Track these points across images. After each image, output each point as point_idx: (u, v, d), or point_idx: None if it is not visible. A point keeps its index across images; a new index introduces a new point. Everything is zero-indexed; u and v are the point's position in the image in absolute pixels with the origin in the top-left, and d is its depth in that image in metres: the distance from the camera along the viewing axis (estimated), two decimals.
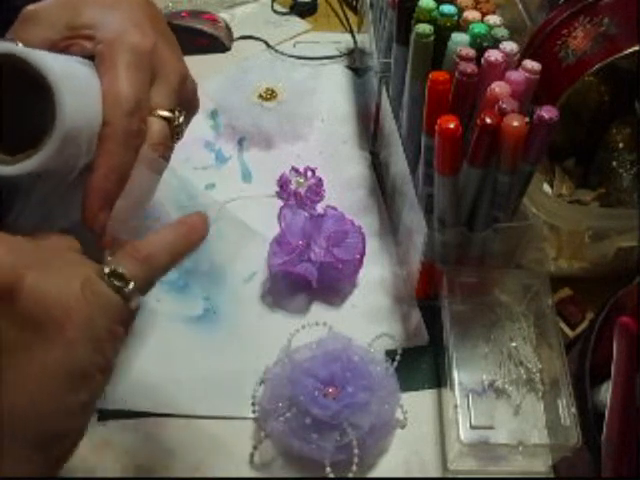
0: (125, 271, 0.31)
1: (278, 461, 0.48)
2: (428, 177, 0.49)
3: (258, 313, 0.56)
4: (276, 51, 0.80)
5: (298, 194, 0.64)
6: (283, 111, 0.70)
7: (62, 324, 0.29)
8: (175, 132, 0.39)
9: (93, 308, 0.30)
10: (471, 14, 0.50)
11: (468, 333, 0.51)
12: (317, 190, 0.64)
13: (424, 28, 0.48)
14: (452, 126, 0.42)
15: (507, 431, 0.47)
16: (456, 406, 0.46)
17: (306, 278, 0.54)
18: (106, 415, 0.49)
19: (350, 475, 0.45)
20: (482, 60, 0.46)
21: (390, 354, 0.52)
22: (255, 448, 0.47)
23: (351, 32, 0.82)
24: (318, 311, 0.56)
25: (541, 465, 0.47)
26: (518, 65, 0.46)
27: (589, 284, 0.56)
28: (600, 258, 0.56)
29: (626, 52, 0.50)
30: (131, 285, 0.31)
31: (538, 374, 0.49)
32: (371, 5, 0.68)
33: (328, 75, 0.77)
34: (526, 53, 0.55)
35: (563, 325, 0.54)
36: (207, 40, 0.79)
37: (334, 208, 0.60)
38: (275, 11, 0.87)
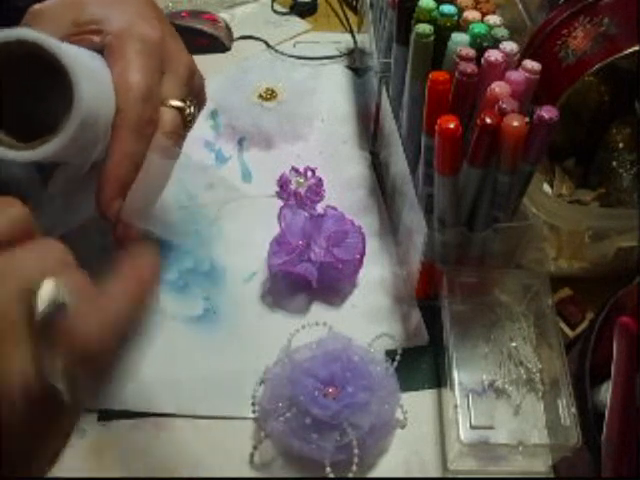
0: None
1: (278, 461, 0.48)
2: (428, 177, 0.49)
3: (258, 313, 0.56)
4: (276, 51, 0.80)
5: (298, 194, 0.64)
6: (283, 111, 0.70)
7: None
8: (187, 121, 0.39)
9: None
10: (471, 14, 0.50)
11: (468, 333, 0.51)
12: (317, 190, 0.64)
13: (424, 28, 0.48)
14: (452, 126, 0.42)
15: (507, 431, 0.47)
16: (456, 406, 0.46)
17: (306, 278, 0.54)
18: (106, 415, 0.49)
19: (350, 475, 0.45)
20: (482, 60, 0.46)
21: (390, 354, 0.52)
22: (255, 448, 0.47)
23: (351, 32, 0.82)
24: (318, 311, 0.56)
25: (541, 465, 0.47)
26: (518, 65, 0.46)
27: (589, 284, 0.56)
28: (600, 258, 0.56)
29: (626, 52, 0.50)
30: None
31: (538, 374, 0.49)
32: (371, 5, 0.68)
33: (328, 75, 0.77)
34: (526, 53, 0.55)
35: (563, 325, 0.54)
36: (207, 40, 0.79)
37: (334, 208, 0.60)
38: (275, 11, 0.87)
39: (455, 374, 0.47)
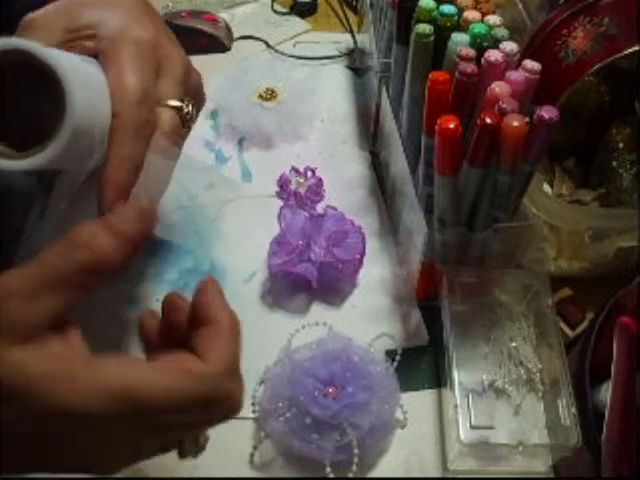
0: None
1: (278, 461, 0.48)
2: (428, 177, 0.49)
3: (258, 313, 0.56)
4: (276, 51, 0.80)
5: (298, 194, 0.64)
6: (283, 111, 0.70)
7: None
8: (185, 120, 0.39)
9: None
10: (471, 14, 0.49)
11: (468, 333, 0.51)
12: (317, 190, 0.64)
13: (424, 28, 0.48)
14: (452, 126, 0.42)
15: (507, 431, 0.47)
16: (456, 406, 0.46)
17: (306, 278, 0.54)
18: None
19: (350, 475, 0.45)
20: (482, 60, 0.46)
21: (390, 354, 0.52)
22: (255, 448, 0.47)
23: (351, 32, 0.82)
24: (318, 311, 0.56)
25: (541, 465, 0.47)
26: (518, 65, 0.46)
27: (589, 284, 0.56)
28: (600, 258, 0.56)
29: (626, 52, 0.50)
30: None
31: (538, 374, 0.49)
32: (371, 5, 0.68)
33: (328, 75, 0.77)
34: (526, 53, 0.55)
35: (563, 325, 0.54)
36: (207, 40, 0.79)
37: (334, 208, 0.60)
38: (275, 11, 0.87)
39: (455, 374, 0.47)
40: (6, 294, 0.27)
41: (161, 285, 0.57)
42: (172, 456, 0.43)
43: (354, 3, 0.87)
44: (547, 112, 0.41)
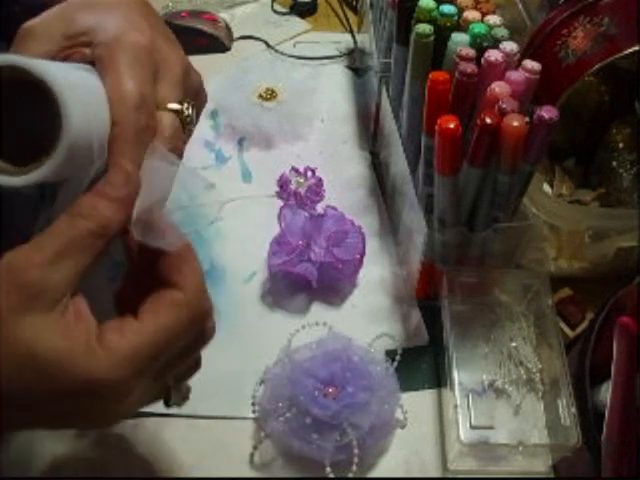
0: None
1: (278, 461, 0.48)
2: (428, 177, 0.49)
3: (258, 313, 0.56)
4: (276, 51, 0.80)
5: (298, 194, 0.64)
6: (283, 111, 0.70)
7: None
8: (186, 123, 0.39)
9: None
10: (471, 14, 0.50)
11: (468, 333, 0.51)
12: (317, 190, 0.65)
13: (424, 28, 0.48)
14: (452, 126, 0.42)
15: (507, 431, 0.47)
16: (456, 406, 0.46)
17: (306, 278, 0.54)
18: None
19: (350, 475, 0.45)
20: (482, 60, 0.46)
21: (390, 354, 0.52)
22: (255, 448, 0.47)
23: (351, 32, 0.82)
24: (318, 311, 0.56)
25: (541, 465, 0.47)
26: (518, 65, 0.46)
27: (589, 284, 0.56)
28: (600, 258, 0.56)
29: (626, 52, 0.50)
30: None
31: (538, 374, 0.49)
32: (371, 5, 0.68)
33: (328, 75, 0.77)
34: (526, 53, 0.55)
35: (563, 325, 0.54)
36: (207, 40, 0.79)
37: (334, 208, 0.60)
38: (275, 11, 0.87)
39: (455, 374, 0.47)
40: (26, 265, 0.29)
41: None
42: (172, 456, 0.44)
43: (354, 3, 0.87)
44: (547, 112, 0.41)
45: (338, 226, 0.57)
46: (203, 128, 0.70)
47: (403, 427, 0.49)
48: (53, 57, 0.36)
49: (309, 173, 0.66)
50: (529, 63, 0.45)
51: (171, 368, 0.35)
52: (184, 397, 0.40)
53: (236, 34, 0.82)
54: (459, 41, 0.47)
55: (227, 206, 0.63)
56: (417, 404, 0.51)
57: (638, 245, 0.54)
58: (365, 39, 0.75)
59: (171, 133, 0.37)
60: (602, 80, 0.61)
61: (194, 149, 0.68)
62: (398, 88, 0.57)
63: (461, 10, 0.50)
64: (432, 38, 0.49)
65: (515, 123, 0.41)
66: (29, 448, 0.47)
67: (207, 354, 0.53)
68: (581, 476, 0.45)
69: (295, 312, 0.56)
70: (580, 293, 0.56)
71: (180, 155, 0.39)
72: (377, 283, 0.58)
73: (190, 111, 0.39)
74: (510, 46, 0.46)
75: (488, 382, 0.49)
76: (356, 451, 0.45)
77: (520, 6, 0.63)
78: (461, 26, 0.49)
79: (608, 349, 0.37)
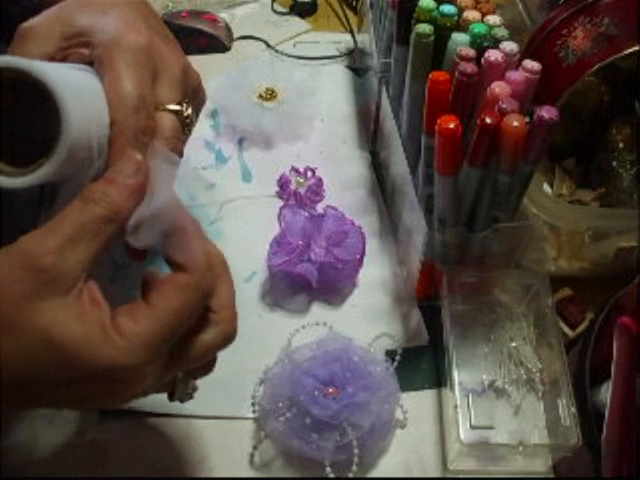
0: None
1: (278, 461, 0.48)
2: (428, 177, 0.49)
3: (258, 313, 0.56)
4: (276, 51, 0.80)
5: (298, 194, 0.64)
6: (283, 111, 0.70)
7: None
8: (185, 124, 0.39)
9: None
10: (471, 14, 0.49)
11: (468, 333, 0.51)
12: (317, 190, 0.64)
13: (424, 28, 0.48)
14: (452, 126, 0.42)
15: (507, 431, 0.47)
16: (456, 406, 0.46)
17: (306, 278, 0.54)
18: (106, 415, 0.49)
19: (350, 475, 0.45)
20: (482, 60, 0.45)
21: (390, 354, 0.52)
22: (255, 448, 0.47)
23: (351, 32, 0.82)
24: (318, 311, 0.56)
25: (541, 465, 0.47)
26: (518, 65, 0.45)
27: (589, 284, 0.56)
28: (600, 258, 0.56)
29: (626, 52, 0.50)
30: None
31: (538, 374, 0.49)
32: (371, 5, 0.68)
33: (328, 75, 0.77)
34: (526, 53, 0.55)
35: (563, 325, 0.54)
36: (207, 40, 0.79)
37: (334, 208, 0.60)
38: (275, 11, 0.87)
39: (455, 374, 0.47)
40: (40, 250, 0.29)
41: None
42: (172, 456, 0.44)
43: (354, 3, 0.87)
44: (547, 112, 0.41)
45: (338, 226, 0.57)
46: (203, 128, 0.70)
47: (403, 427, 0.49)
48: (51, 58, 0.36)
49: (309, 173, 0.66)
50: (529, 63, 0.45)
51: (182, 355, 0.35)
52: (189, 394, 0.40)
53: (236, 34, 0.82)
54: (459, 41, 0.47)
55: (227, 206, 0.63)
56: (417, 404, 0.51)
57: (638, 245, 0.54)
58: (365, 39, 0.75)
59: (171, 134, 0.38)
60: (602, 80, 0.61)
61: (194, 149, 0.68)
62: (398, 88, 0.57)
63: (461, 10, 0.50)
64: (432, 38, 0.49)
65: (515, 123, 0.41)
66: (30, 447, 0.47)
67: None
68: (581, 476, 0.45)
69: (295, 312, 0.56)
70: (580, 293, 0.56)
71: (180, 155, 0.39)
72: (377, 283, 0.58)
73: (189, 111, 0.39)
74: (510, 46, 0.46)
75: (488, 382, 0.49)
76: (356, 451, 0.45)
77: (520, 6, 0.63)
78: (461, 26, 0.49)
79: (608, 349, 0.37)
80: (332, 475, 0.45)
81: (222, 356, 0.53)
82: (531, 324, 0.51)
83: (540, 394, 0.49)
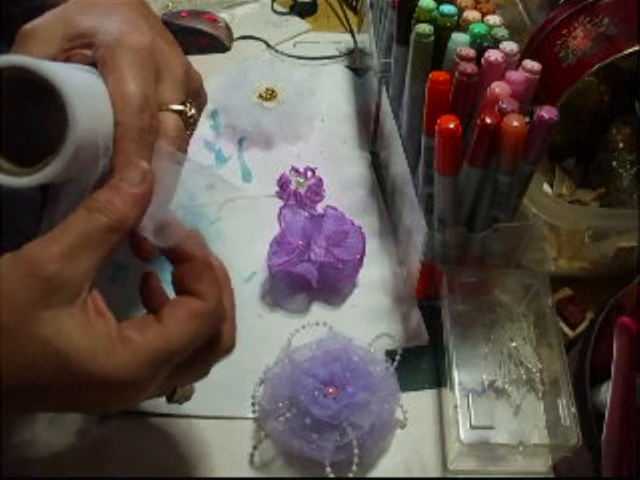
0: None
1: (278, 461, 0.48)
2: (428, 177, 0.49)
3: (258, 313, 0.56)
4: (276, 51, 0.80)
5: (298, 194, 0.64)
6: (283, 111, 0.70)
7: None
8: (189, 124, 0.39)
9: None
10: (471, 14, 0.49)
11: (468, 333, 0.51)
12: (317, 190, 0.64)
13: (424, 28, 0.48)
14: (452, 126, 0.42)
15: (507, 431, 0.47)
16: (456, 406, 0.46)
17: (306, 278, 0.54)
18: (106, 415, 0.49)
19: (350, 475, 0.45)
20: (482, 60, 0.45)
21: (390, 354, 0.52)
22: (255, 448, 0.47)
23: (351, 32, 0.82)
24: (318, 311, 0.56)
25: (541, 465, 0.47)
26: (518, 65, 0.46)
27: (589, 284, 0.56)
28: (600, 258, 0.56)
29: (626, 52, 0.50)
30: None
31: (538, 374, 0.49)
32: (371, 5, 0.68)
33: (328, 75, 0.77)
34: (526, 53, 0.55)
35: (563, 325, 0.54)
36: (207, 40, 0.79)
37: (334, 208, 0.60)
38: (275, 11, 0.87)
39: (455, 374, 0.47)
40: (45, 259, 0.29)
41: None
42: (172, 456, 0.44)
43: (354, 3, 0.87)
44: (547, 112, 0.41)
45: (338, 226, 0.57)
46: (203, 128, 0.70)
47: (403, 427, 0.49)
48: (54, 59, 0.36)
49: (309, 173, 0.66)
50: (529, 63, 0.45)
51: (184, 371, 0.36)
52: (187, 396, 0.41)
53: (236, 34, 0.82)
54: (459, 41, 0.47)
55: (227, 206, 0.63)
56: (417, 404, 0.51)
57: (638, 245, 0.54)
58: (365, 39, 0.75)
59: (175, 134, 0.38)
60: (602, 80, 0.61)
61: (194, 149, 0.68)
62: (398, 88, 0.57)
63: (461, 10, 0.50)
64: (432, 38, 0.49)
65: (515, 123, 0.41)
66: (30, 447, 0.47)
67: None
68: (581, 476, 0.45)
69: (295, 312, 0.56)
70: (580, 293, 0.56)
71: (184, 154, 0.39)
72: (377, 283, 0.58)
73: (193, 111, 0.40)
74: (510, 46, 0.46)
75: (488, 382, 0.49)
76: (356, 451, 0.45)
77: (520, 6, 0.63)
78: (461, 26, 0.49)
79: (608, 349, 0.37)
80: (332, 475, 0.45)
81: None
82: (531, 324, 0.51)
83: (540, 394, 0.49)
